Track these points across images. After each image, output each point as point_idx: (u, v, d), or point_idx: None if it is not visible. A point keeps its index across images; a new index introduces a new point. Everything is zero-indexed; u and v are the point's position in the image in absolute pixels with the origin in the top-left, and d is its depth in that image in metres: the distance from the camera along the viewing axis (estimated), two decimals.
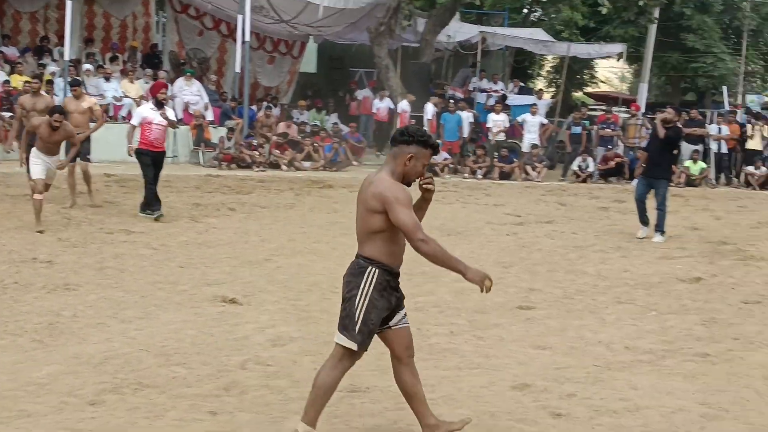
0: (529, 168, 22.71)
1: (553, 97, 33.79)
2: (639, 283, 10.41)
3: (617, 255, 12.29)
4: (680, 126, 15.53)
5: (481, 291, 4.83)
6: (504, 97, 26.30)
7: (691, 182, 22.51)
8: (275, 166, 21.77)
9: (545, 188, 20.93)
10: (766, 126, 24.11)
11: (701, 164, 23.00)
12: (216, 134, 22.15)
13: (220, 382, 6.32)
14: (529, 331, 8.17)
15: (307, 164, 22.18)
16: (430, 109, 23.60)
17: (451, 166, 23.04)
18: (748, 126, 24.20)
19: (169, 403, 5.85)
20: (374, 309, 4.94)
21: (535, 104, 24.83)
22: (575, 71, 39.97)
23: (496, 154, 23.23)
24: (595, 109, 30.83)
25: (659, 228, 13.54)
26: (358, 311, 4.93)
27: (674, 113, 13.93)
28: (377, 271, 4.94)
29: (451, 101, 24.35)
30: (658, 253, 12.45)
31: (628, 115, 24.65)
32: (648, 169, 13.60)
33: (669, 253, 12.50)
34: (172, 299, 8.76)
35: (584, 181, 22.56)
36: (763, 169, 23.10)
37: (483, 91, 27.27)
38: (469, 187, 20.57)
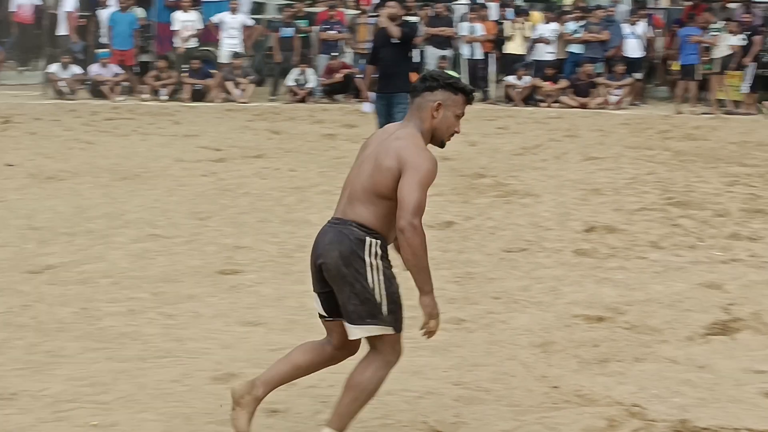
0: (230, 85, 22.72)
1: None
2: None
3: None
4: (416, 23, 15.91)
5: (421, 328, 5.11)
6: None
7: None
8: None
9: (253, 111, 21.05)
10: (528, 23, 24.79)
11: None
12: None
13: None
14: (235, 303, 8.21)
15: None
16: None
17: (125, 84, 22.66)
18: (506, 24, 24.80)
19: None
20: (392, 279, 5.15)
21: None
22: None
23: (185, 66, 23.02)
24: (314, 5, 31.12)
25: None
26: (376, 290, 5.09)
27: (399, 6, 14.26)
28: (377, 242, 5.11)
29: None
30: None
31: (357, 12, 25.06)
32: (383, 84, 13.88)
33: None
34: None
35: (303, 100, 22.81)
36: (527, 78, 23.87)
37: None
38: (150, 112, 20.40)
